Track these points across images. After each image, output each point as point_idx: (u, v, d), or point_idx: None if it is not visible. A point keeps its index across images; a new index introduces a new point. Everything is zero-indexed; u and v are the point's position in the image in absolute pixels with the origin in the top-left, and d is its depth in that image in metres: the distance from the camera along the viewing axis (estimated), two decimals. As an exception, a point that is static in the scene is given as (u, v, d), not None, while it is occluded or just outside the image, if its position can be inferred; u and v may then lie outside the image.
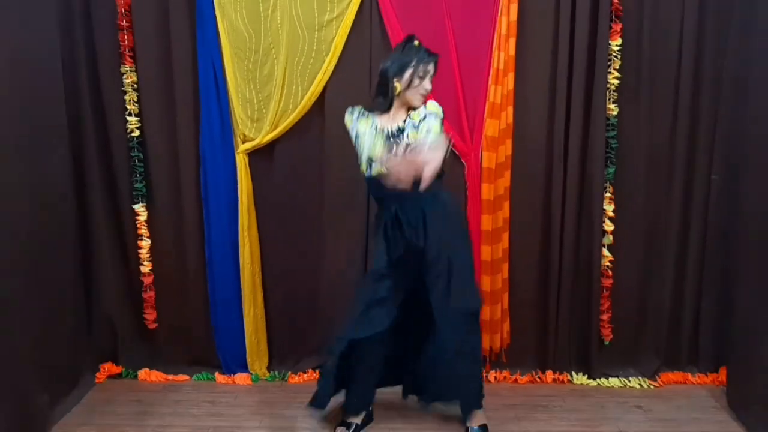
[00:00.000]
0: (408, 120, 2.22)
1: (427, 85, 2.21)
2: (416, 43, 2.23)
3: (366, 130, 2.24)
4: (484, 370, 2.73)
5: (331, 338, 2.44)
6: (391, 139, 2.21)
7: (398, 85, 2.19)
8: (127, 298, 2.93)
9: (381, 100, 2.24)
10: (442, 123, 2.21)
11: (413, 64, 2.18)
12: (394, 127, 2.23)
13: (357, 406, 2.44)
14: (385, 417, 2.55)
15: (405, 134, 2.20)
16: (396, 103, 2.24)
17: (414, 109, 2.23)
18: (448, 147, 2.13)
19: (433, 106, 2.22)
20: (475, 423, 2.40)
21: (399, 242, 2.22)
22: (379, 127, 2.24)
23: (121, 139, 2.79)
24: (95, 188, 2.77)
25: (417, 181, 1.99)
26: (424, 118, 2.19)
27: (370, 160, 2.20)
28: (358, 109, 2.29)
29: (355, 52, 2.69)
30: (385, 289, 2.24)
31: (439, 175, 2.24)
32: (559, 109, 2.70)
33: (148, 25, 2.69)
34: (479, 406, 2.42)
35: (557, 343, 2.87)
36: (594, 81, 2.67)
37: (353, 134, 2.27)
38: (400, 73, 2.19)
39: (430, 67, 2.21)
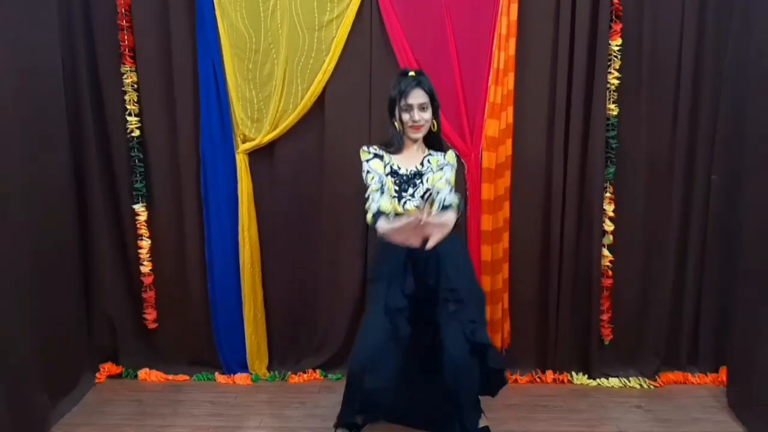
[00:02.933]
0: (426, 163, 2.23)
1: (415, 116, 2.17)
2: (410, 74, 2.21)
3: (380, 172, 2.20)
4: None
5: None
6: (406, 186, 2.20)
7: (397, 125, 2.22)
8: (127, 298, 2.94)
9: (396, 139, 2.24)
10: (456, 172, 2.25)
11: (396, 99, 2.18)
12: (412, 170, 2.22)
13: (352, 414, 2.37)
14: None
15: (424, 178, 2.20)
16: (407, 141, 2.25)
17: (433, 145, 2.27)
18: (461, 206, 2.12)
19: (452, 157, 2.27)
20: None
21: (410, 278, 2.19)
22: (394, 167, 2.22)
23: (121, 139, 2.79)
24: (95, 188, 2.77)
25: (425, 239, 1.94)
26: (442, 167, 2.22)
27: (379, 214, 2.08)
28: (373, 147, 2.26)
29: (355, 52, 2.69)
30: (403, 327, 2.17)
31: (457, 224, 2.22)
32: (559, 109, 2.70)
33: (148, 25, 2.69)
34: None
35: (557, 343, 2.88)
36: (594, 81, 2.67)
37: (365, 170, 2.21)
38: (391, 112, 2.22)
39: (412, 98, 2.15)
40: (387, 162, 2.24)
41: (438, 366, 2.19)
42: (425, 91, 2.18)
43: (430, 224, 1.89)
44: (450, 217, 1.96)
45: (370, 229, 2.23)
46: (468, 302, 2.17)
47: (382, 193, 2.17)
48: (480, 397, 2.37)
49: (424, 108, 2.19)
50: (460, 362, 2.12)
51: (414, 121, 2.18)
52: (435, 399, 2.32)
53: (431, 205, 2.13)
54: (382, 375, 2.12)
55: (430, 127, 2.24)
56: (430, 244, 1.92)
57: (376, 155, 2.24)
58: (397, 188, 2.21)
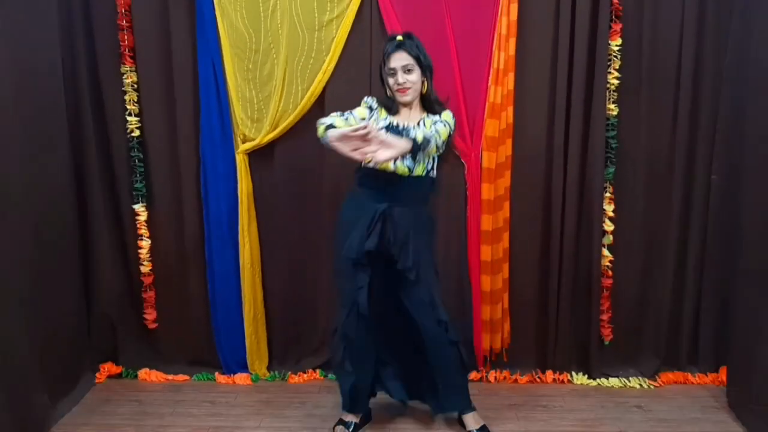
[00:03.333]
0: (422, 124, 2.22)
1: (399, 79, 2.16)
2: (398, 38, 2.20)
3: (356, 115, 2.24)
4: (469, 376, 2.69)
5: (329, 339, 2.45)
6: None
7: (387, 90, 2.25)
8: (127, 298, 2.94)
9: (390, 102, 2.26)
10: (451, 134, 2.21)
11: (382, 65, 2.20)
12: (409, 126, 2.22)
13: (354, 404, 2.42)
14: (384, 416, 2.55)
15: (433, 125, 2.19)
16: (401, 104, 2.25)
17: (426, 110, 2.26)
18: (429, 143, 2.03)
19: (449, 116, 2.23)
20: (474, 425, 2.39)
21: (375, 237, 2.16)
22: (394, 123, 2.23)
23: (121, 139, 2.79)
24: (95, 188, 2.77)
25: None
26: (434, 122, 2.20)
27: (330, 127, 2.09)
28: (376, 102, 2.29)
29: (355, 52, 2.69)
30: (365, 277, 2.20)
31: (431, 184, 2.27)
32: (559, 109, 2.70)
33: (148, 25, 2.69)
34: (471, 408, 2.41)
35: (557, 343, 2.87)
36: (594, 81, 2.67)
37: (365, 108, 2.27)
38: (381, 77, 2.24)
39: (393, 61, 2.16)
40: (382, 117, 2.24)
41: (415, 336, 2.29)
42: (410, 53, 2.17)
43: (377, 139, 1.87)
44: (403, 143, 1.92)
45: (319, 141, 2.16)
46: (423, 280, 2.20)
47: (345, 119, 2.19)
48: (467, 401, 2.40)
49: (409, 70, 2.17)
50: (433, 333, 2.24)
51: (399, 84, 2.17)
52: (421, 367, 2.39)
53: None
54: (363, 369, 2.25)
55: (422, 91, 2.23)
56: (375, 158, 1.87)
57: (370, 107, 2.27)
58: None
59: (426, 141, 2.01)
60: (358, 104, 2.68)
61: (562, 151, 2.74)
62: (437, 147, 2.10)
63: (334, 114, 2.22)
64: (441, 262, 2.57)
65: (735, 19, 2.65)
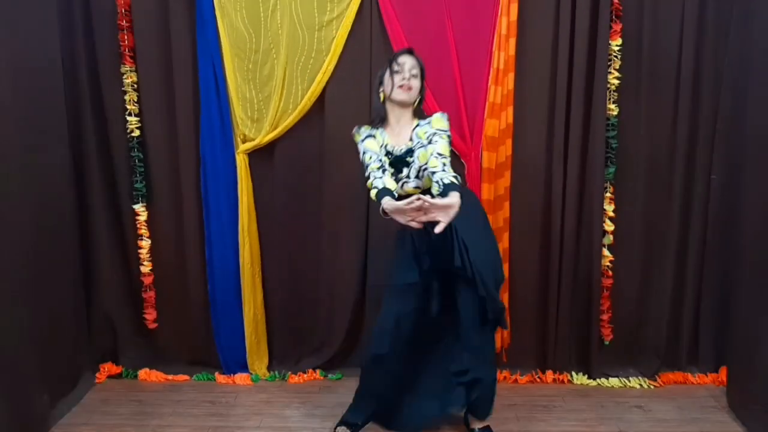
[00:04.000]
0: (415, 137, 2.17)
1: (405, 74, 2.16)
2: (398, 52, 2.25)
3: (376, 150, 2.19)
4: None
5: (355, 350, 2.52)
6: (401, 167, 2.17)
7: (383, 94, 2.22)
8: (127, 298, 2.94)
9: (375, 112, 2.25)
10: (450, 137, 2.14)
11: (388, 67, 2.19)
12: (403, 149, 2.18)
13: (361, 414, 2.42)
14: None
15: (415, 156, 2.14)
16: (392, 113, 2.22)
17: (416, 116, 2.22)
18: (459, 180, 2.01)
19: (439, 122, 2.14)
20: (477, 425, 2.39)
21: (425, 253, 2.18)
22: (388, 147, 2.21)
23: (121, 139, 2.79)
24: (95, 188, 2.77)
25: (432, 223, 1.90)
26: (430, 139, 2.10)
27: (384, 191, 2.05)
28: (364, 128, 2.26)
29: (355, 52, 2.69)
30: (415, 300, 2.20)
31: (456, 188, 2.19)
32: (559, 109, 2.70)
33: (148, 25, 2.69)
34: (489, 414, 2.39)
35: (557, 343, 2.87)
36: (594, 81, 2.67)
37: (361, 151, 2.21)
38: (381, 80, 2.22)
39: (403, 59, 2.17)
40: (382, 143, 2.22)
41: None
42: (417, 61, 2.21)
43: (435, 206, 1.86)
44: (454, 199, 1.88)
45: (373, 205, 2.21)
46: (482, 275, 2.13)
47: (384, 170, 2.15)
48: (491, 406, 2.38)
49: (413, 75, 2.18)
50: (471, 350, 2.20)
51: (404, 79, 2.16)
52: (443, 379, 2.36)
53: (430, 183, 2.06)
54: (403, 336, 2.21)
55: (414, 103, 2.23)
56: (438, 229, 1.86)
57: (369, 135, 2.23)
58: (392, 170, 2.18)
59: (457, 180, 1.98)
60: (358, 104, 2.71)
61: (562, 151, 2.74)
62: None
63: (371, 166, 2.14)
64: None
65: (735, 19, 2.66)
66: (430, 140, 2.10)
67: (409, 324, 2.23)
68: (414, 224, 1.92)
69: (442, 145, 2.07)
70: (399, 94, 2.17)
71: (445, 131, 2.13)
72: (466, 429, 2.44)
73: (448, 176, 1.98)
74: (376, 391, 2.37)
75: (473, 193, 2.45)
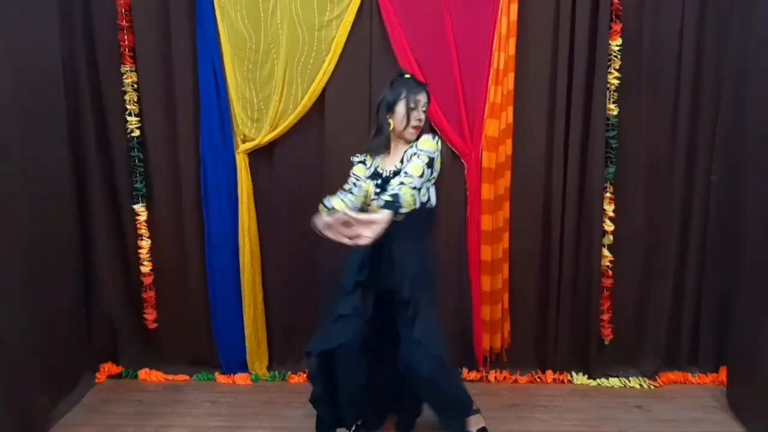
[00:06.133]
0: (405, 159, 2.18)
1: (419, 115, 2.18)
2: (407, 76, 2.24)
3: (360, 176, 2.27)
4: (460, 379, 2.69)
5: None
6: (386, 186, 2.16)
7: (392, 122, 2.19)
8: (127, 298, 2.94)
9: (379, 140, 2.24)
10: (438, 156, 2.14)
11: (403, 96, 2.16)
12: (392, 169, 2.20)
13: (351, 416, 2.38)
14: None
15: (402, 174, 2.12)
16: (394, 140, 2.23)
17: (409, 143, 2.21)
18: (405, 201, 1.99)
19: (425, 143, 2.13)
20: (473, 427, 2.38)
21: (369, 265, 2.19)
22: (378, 169, 2.23)
23: (121, 139, 2.79)
24: (95, 188, 2.78)
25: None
26: (410, 158, 2.13)
27: (330, 209, 2.18)
28: (358, 156, 2.31)
29: (355, 52, 2.69)
30: (350, 306, 2.19)
31: (429, 216, 2.22)
32: (559, 109, 2.70)
33: (148, 25, 2.69)
34: (469, 413, 2.35)
35: (557, 343, 2.88)
36: (594, 81, 2.67)
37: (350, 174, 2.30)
38: (392, 108, 2.18)
39: (421, 97, 2.18)
40: (369, 165, 2.26)
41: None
42: (428, 97, 2.23)
43: (359, 221, 1.92)
44: (380, 216, 1.92)
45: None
46: (419, 311, 2.12)
47: (351, 194, 2.26)
48: (468, 407, 2.34)
49: (424, 111, 2.21)
50: (425, 378, 2.13)
51: (419, 120, 2.18)
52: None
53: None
54: (336, 337, 2.17)
55: None
56: (362, 242, 1.91)
57: (361, 161, 2.30)
58: (378, 190, 2.20)
59: (405, 195, 1.99)
60: (358, 104, 2.71)
61: (562, 151, 2.74)
62: (413, 200, 2.03)
63: (344, 186, 2.27)
64: (441, 263, 2.57)
65: (735, 19, 2.66)
66: (410, 159, 2.14)
67: (344, 328, 2.18)
68: (344, 240, 1.95)
69: (413, 165, 2.09)
70: (411, 135, 2.19)
71: (427, 152, 2.11)
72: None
73: (390, 194, 2.00)
74: (344, 385, 2.29)
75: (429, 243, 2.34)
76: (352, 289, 2.20)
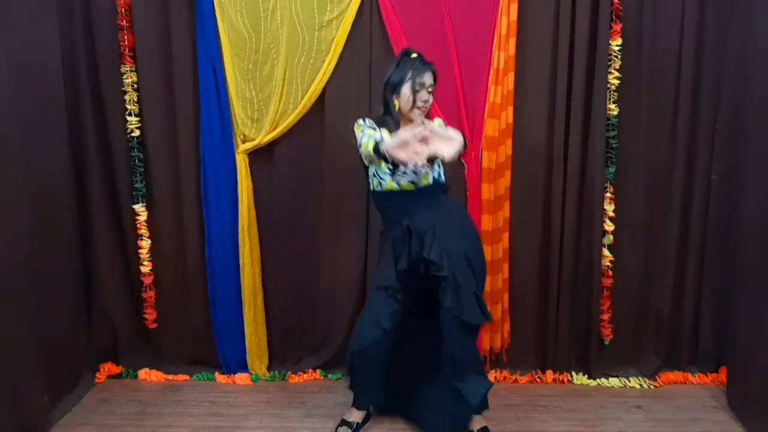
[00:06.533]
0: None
1: (424, 96, 2.17)
2: (413, 55, 2.21)
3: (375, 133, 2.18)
4: (488, 377, 2.73)
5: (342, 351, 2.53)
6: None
7: (397, 102, 2.19)
8: (127, 298, 2.93)
9: (388, 118, 2.22)
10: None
11: (408, 78, 2.15)
12: None
13: (366, 398, 2.43)
14: (386, 416, 2.54)
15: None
16: (401, 121, 2.22)
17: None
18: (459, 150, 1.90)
19: (438, 122, 2.19)
20: (476, 426, 2.39)
21: (405, 256, 2.17)
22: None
23: (121, 139, 2.79)
24: (95, 188, 2.77)
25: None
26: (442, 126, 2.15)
27: (382, 139, 2.03)
28: (369, 121, 2.23)
29: (355, 52, 2.69)
30: (395, 302, 2.21)
31: (444, 190, 2.26)
32: (559, 109, 2.70)
33: (148, 25, 2.69)
34: (481, 411, 2.39)
35: (557, 343, 2.87)
36: (594, 81, 2.67)
37: (360, 136, 2.17)
38: (397, 89, 2.17)
39: (426, 78, 2.16)
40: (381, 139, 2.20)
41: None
42: (434, 77, 2.19)
43: (437, 136, 1.83)
44: (457, 134, 1.86)
45: (371, 195, 2.27)
46: (461, 284, 2.12)
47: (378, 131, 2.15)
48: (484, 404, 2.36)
49: (431, 92, 2.19)
50: (457, 354, 2.20)
51: (424, 101, 2.16)
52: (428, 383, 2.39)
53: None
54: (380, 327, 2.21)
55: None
56: (444, 154, 1.81)
57: (371, 128, 2.20)
58: (391, 166, 2.15)
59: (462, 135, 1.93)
60: (358, 104, 2.70)
61: (562, 151, 2.74)
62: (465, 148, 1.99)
63: (367, 131, 2.14)
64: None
65: (735, 19, 2.66)
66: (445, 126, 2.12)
67: (389, 323, 2.21)
68: (417, 158, 1.82)
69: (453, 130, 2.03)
70: (417, 116, 2.18)
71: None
72: (464, 430, 2.44)
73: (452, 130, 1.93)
74: (368, 383, 2.38)
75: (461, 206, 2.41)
76: (396, 284, 2.20)
